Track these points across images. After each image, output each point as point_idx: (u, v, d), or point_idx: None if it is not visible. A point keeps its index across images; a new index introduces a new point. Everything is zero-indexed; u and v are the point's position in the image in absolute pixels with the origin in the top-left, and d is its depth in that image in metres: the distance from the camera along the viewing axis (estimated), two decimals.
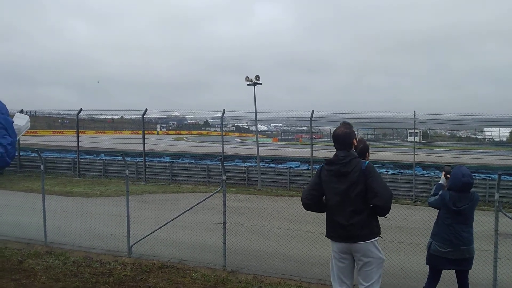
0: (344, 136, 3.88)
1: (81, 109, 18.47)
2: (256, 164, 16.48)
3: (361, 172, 3.70)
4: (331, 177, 3.80)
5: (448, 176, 4.45)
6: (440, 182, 4.61)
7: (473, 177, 4.31)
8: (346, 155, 3.78)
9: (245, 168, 16.53)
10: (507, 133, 51.14)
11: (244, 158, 19.77)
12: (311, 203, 3.94)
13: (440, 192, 4.40)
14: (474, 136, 55.52)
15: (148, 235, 6.93)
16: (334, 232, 3.81)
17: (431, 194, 4.56)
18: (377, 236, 3.79)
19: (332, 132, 4.27)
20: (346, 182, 3.71)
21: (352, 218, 3.68)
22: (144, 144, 17.12)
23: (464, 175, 4.21)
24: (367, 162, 3.83)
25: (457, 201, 4.21)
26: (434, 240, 4.38)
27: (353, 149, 3.91)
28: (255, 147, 16.65)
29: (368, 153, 4.35)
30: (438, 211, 4.46)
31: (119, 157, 17.12)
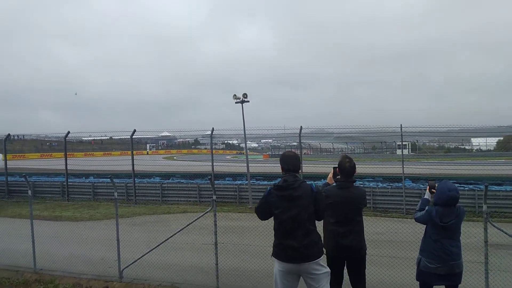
0: (296, 158, 4.17)
1: (68, 132, 18.36)
2: (247, 182, 16.44)
3: (312, 195, 3.96)
4: (283, 202, 3.95)
5: (433, 190, 4.47)
6: (425, 197, 4.61)
7: (459, 191, 4.33)
8: (295, 179, 3.99)
9: (236, 186, 16.48)
10: (494, 143, 51.77)
11: (235, 176, 19.71)
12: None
13: (427, 207, 4.40)
14: (462, 147, 56.09)
15: (139, 259, 6.86)
16: (285, 254, 3.95)
17: (417, 209, 4.56)
18: (323, 255, 4.03)
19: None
20: (298, 206, 3.91)
21: (303, 240, 3.88)
22: (133, 165, 17.03)
23: (450, 189, 4.22)
24: (314, 184, 4.08)
25: (443, 216, 4.21)
26: (423, 256, 4.38)
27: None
28: (246, 164, 16.63)
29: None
30: (425, 225, 4.47)
31: (108, 180, 16.99)
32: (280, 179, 4.09)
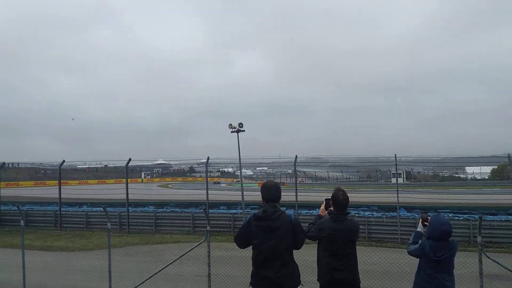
0: (277, 188, 4.18)
1: (64, 161, 18.34)
2: (241, 211, 16.37)
3: (290, 226, 4.00)
4: (261, 232, 3.98)
5: (426, 223, 4.45)
6: (418, 230, 4.58)
7: (451, 224, 4.32)
8: (275, 210, 4.02)
9: (230, 216, 16.38)
10: (489, 172, 51.99)
11: (230, 205, 19.64)
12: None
13: (420, 241, 4.36)
14: (456, 175, 56.30)
15: None
16: (262, 284, 3.96)
17: (410, 242, 4.53)
18: (299, 285, 4.04)
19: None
20: (277, 237, 3.94)
21: (280, 271, 3.90)
22: (127, 194, 16.95)
23: (443, 223, 4.19)
24: (293, 215, 4.12)
25: (437, 250, 4.16)
26: None
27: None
28: (241, 193, 16.60)
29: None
30: (419, 259, 4.42)
31: (101, 208, 16.87)
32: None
